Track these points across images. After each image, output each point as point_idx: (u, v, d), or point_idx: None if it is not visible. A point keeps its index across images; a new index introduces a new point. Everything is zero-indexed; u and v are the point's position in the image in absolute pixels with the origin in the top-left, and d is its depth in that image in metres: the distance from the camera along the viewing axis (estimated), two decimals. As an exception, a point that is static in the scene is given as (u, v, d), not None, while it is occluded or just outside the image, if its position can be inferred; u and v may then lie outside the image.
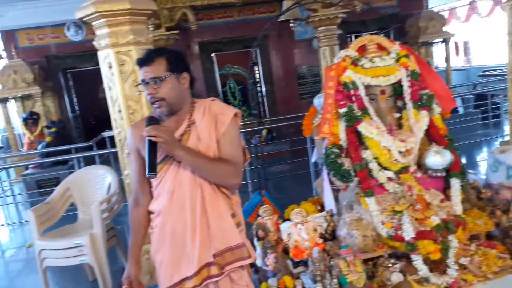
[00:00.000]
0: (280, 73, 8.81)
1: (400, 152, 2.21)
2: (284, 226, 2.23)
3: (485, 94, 7.11)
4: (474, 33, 11.72)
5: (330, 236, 2.19)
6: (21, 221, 5.80)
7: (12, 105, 7.82)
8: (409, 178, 2.24)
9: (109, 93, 2.79)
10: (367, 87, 2.30)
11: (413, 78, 2.32)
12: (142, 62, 1.63)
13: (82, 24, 7.86)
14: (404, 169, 2.25)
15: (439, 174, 2.25)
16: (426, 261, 1.94)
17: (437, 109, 2.38)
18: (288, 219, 2.30)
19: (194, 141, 1.64)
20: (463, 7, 10.35)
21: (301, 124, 2.71)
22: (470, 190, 2.43)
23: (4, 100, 7.63)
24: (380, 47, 2.40)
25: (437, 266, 1.97)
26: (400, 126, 2.34)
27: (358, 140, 2.28)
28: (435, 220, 1.99)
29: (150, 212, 1.75)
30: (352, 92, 2.28)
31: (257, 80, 8.55)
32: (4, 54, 7.64)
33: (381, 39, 2.41)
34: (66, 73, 8.49)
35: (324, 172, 2.38)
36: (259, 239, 2.30)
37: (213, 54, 8.57)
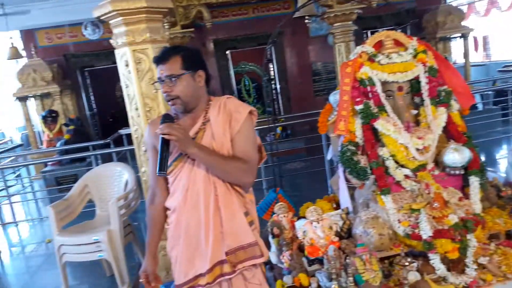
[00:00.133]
0: (295, 70, 8.78)
1: (418, 150, 2.18)
2: (299, 224, 2.23)
3: (505, 90, 6.95)
4: (493, 28, 11.45)
5: (346, 234, 2.18)
6: (40, 217, 5.93)
7: (32, 104, 7.98)
8: (427, 176, 2.21)
9: (126, 91, 2.82)
10: (384, 83, 2.28)
11: (431, 74, 2.28)
12: (158, 60, 1.64)
13: (99, 23, 7.97)
14: (422, 167, 2.21)
15: (457, 172, 2.22)
16: (444, 260, 1.91)
17: (455, 105, 2.34)
18: (303, 217, 2.30)
19: (209, 139, 1.65)
20: (482, 1, 10.12)
21: (315, 121, 2.70)
22: (490, 188, 2.38)
23: (24, 99, 7.78)
24: (397, 43, 2.37)
25: (455, 265, 1.94)
26: (417, 123, 2.31)
27: (374, 137, 2.26)
28: (453, 219, 1.96)
29: (166, 209, 1.77)
30: (368, 88, 2.26)
31: (272, 77, 8.53)
32: (23, 53, 7.79)
33: (398, 34, 2.38)
34: (84, 72, 8.62)
35: (340, 170, 2.37)
36: (274, 236, 2.31)
37: (227, 52, 8.59)
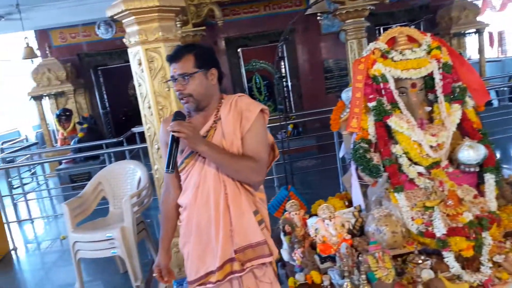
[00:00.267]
0: (306, 67, 8.75)
1: (431, 147, 2.16)
2: (311, 221, 2.22)
3: (521, 86, 6.84)
4: (509, 23, 11.24)
5: (358, 232, 2.17)
6: (55, 214, 6.02)
7: (46, 102, 8.10)
8: (441, 173, 2.18)
9: (139, 89, 2.85)
10: (397, 80, 2.25)
11: (445, 70, 2.25)
12: (171, 58, 1.65)
13: (112, 22, 8.06)
14: (435, 164, 2.19)
15: (472, 169, 2.19)
16: (458, 258, 1.89)
17: (470, 102, 2.31)
18: (315, 215, 2.29)
19: (219, 137, 1.65)
20: (497, -5, 9.93)
21: (327, 118, 2.69)
22: (505, 185, 2.34)
23: (39, 98, 7.91)
24: (411, 39, 2.34)
25: (470, 263, 1.91)
26: (431, 120, 2.28)
27: (387, 134, 2.24)
28: (467, 217, 1.94)
29: (179, 206, 1.78)
30: (381, 85, 2.24)
31: (283, 74, 8.51)
32: (38, 53, 7.91)
33: (412, 30, 2.35)
34: (97, 70, 8.73)
35: (352, 167, 2.36)
36: (285, 234, 2.31)
37: (239, 50, 8.60)
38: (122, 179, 3.71)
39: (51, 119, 8.20)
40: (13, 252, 4.65)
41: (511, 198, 2.32)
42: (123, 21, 2.76)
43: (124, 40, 2.84)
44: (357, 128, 2.27)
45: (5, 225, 4.77)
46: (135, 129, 7.13)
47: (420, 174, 2.18)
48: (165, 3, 2.69)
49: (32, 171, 7.77)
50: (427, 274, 1.81)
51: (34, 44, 8.05)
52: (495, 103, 7.18)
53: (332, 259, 2.03)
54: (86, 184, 3.73)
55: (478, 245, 1.88)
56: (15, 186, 6.65)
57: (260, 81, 8.88)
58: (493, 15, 10.22)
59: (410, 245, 2.02)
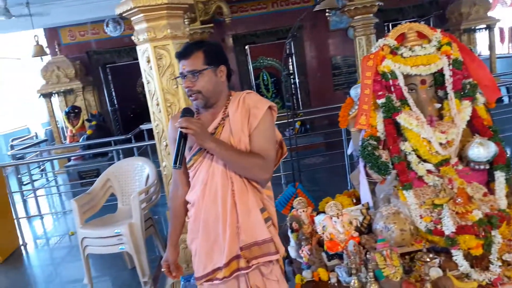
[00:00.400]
0: (314, 64, 8.72)
1: (441, 144, 2.14)
2: (318, 219, 2.22)
3: (533, 83, 6.74)
4: (521, 19, 11.07)
5: (366, 229, 2.15)
6: (64, 210, 6.08)
7: (55, 100, 8.17)
8: (450, 170, 2.16)
9: (148, 86, 2.86)
10: (407, 76, 2.23)
11: (456, 66, 2.23)
12: (180, 55, 1.65)
13: (121, 19, 8.10)
14: (445, 162, 2.17)
15: (482, 167, 2.16)
16: (467, 256, 1.87)
17: (481, 99, 2.28)
18: (323, 212, 2.28)
19: (227, 134, 1.65)
20: (509, -9, 9.80)
21: (335, 116, 2.68)
22: (516, 183, 2.31)
23: (48, 95, 7.98)
24: (421, 35, 2.32)
25: (479, 262, 1.89)
26: (441, 117, 2.25)
27: (396, 131, 2.22)
28: (477, 215, 1.92)
29: (187, 202, 1.79)
30: (390, 82, 2.22)
31: (291, 71, 8.49)
32: (48, 51, 7.97)
33: (422, 26, 2.33)
34: (106, 68, 8.78)
35: (361, 165, 2.34)
36: (293, 231, 2.30)
37: (246, 47, 8.59)
38: (131, 175, 3.73)
39: (60, 117, 8.27)
40: (22, 248, 4.71)
41: (521, 196, 2.29)
42: (132, 18, 2.77)
43: (133, 37, 2.85)
44: (366, 125, 2.26)
45: (15, 221, 4.83)
46: (143, 126, 7.17)
47: (429, 171, 2.16)
48: (174, 1, 2.69)
49: (42, 167, 7.85)
50: (435, 272, 1.80)
51: (44, 42, 8.12)
52: (506, 100, 7.09)
53: (339, 256, 2.03)
54: (95, 180, 3.76)
55: (487, 244, 1.86)
56: (25, 183, 6.73)
57: (267, 78, 8.87)
58: (504, 11, 10.09)
59: (419, 243, 2.00)
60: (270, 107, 1.67)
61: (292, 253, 2.24)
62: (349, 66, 8.63)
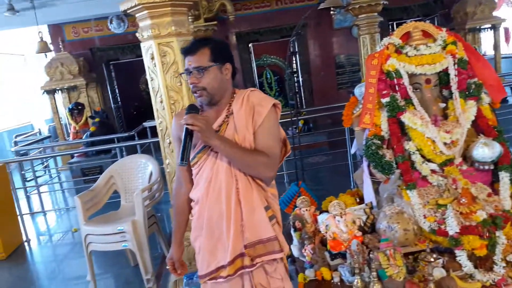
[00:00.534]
0: (318, 62, 8.70)
1: (445, 144, 2.13)
2: (322, 218, 2.21)
3: (538, 83, 6.69)
4: (526, 18, 11.00)
5: (369, 229, 2.15)
6: (67, 207, 6.10)
7: (59, 96, 8.19)
8: (454, 170, 2.15)
9: (151, 83, 2.86)
10: (411, 76, 2.22)
11: (461, 66, 2.22)
12: (186, 51, 1.64)
13: (124, 16, 8.11)
14: (449, 161, 2.16)
15: (486, 167, 2.15)
16: (471, 257, 1.87)
17: (486, 98, 2.26)
18: (326, 211, 2.28)
19: (231, 132, 1.65)
20: (514, -10, 9.73)
21: (338, 114, 2.67)
22: (520, 184, 2.30)
23: (52, 92, 7.99)
24: (426, 34, 2.31)
25: (483, 262, 1.89)
26: (445, 116, 2.24)
27: (400, 131, 2.21)
28: (481, 215, 1.91)
29: (191, 200, 1.79)
30: (395, 81, 2.21)
31: (294, 70, 8.47)
32: (51, 47, 7.98)
33: (427, 25, 2.32)
34: (109, 65, 8.79)
35: (364, 164, 2.34)
36: (296, 230, 2.30)
37: (250, 45, 8.58)
38: (134, 173, 3.74)
39: (64, 113, 8.29)
40: (26, 244, 4.73)
41: (526, 197, 2.28)
42: (136, 15, 2.77)
43: (137, 34, 2.85)
44: (370, 124, 2.25)
45: (19, 217, 4.85)
46: (147, 124, 7.18)
47: (433, 171, 2.15)
48: (178, -3, 2.68)
49: (45, 164, 7.87)
50: (439, 273, 1.79)
51: (48, 39, 8.13)
52: (511, 100, 7.06)
53: (342, 256, 2.03)
54: (98, 177, 3.77)
55: (491, 244, 1.85)
56: (28, 179, 6.76)
57: (271, 76, 8.86)
58: (510, 10, 10.02)
59: (422, 243, 2.00)
60: (274, 105, 1.67)
61: (295, 252, 2.24)
62: (353, 65, 8.61)
